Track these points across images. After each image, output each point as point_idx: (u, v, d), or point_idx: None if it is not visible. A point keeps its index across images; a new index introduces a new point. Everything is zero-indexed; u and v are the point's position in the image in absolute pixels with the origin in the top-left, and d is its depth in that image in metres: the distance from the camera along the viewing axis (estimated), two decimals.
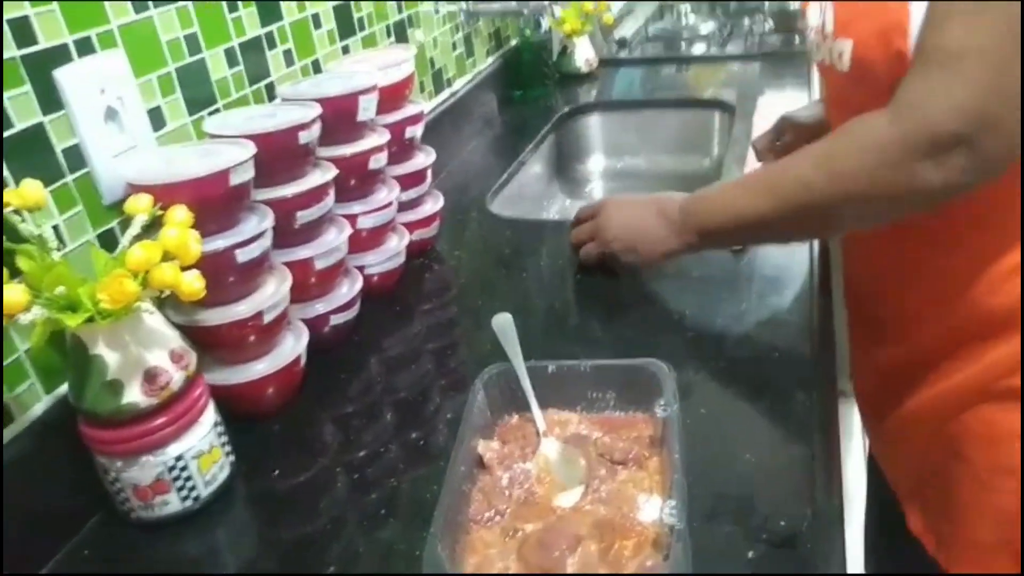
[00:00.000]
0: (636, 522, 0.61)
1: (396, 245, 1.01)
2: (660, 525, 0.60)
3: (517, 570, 0.58)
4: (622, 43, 2.07)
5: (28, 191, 0.62)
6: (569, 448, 0.69)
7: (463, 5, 1.55)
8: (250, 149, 0.74)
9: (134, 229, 0.66)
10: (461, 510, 0.62)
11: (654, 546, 0.58)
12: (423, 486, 0.70)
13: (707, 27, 2.14)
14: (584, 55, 1.86)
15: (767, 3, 2.14)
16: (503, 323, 0.78)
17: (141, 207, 0.66)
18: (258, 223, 0.76)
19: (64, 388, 0.70)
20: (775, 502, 0.63)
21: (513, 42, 1.78)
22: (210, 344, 0.76)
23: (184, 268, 0.63)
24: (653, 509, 0.62)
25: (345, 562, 0.64)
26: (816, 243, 1.01)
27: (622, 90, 1.85)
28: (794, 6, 2.04)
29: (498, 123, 1.67)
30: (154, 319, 0.66)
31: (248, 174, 0.74)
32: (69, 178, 0.72)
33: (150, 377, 0.64)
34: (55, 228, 0.70)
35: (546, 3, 1.61)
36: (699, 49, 2.00)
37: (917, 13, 0.64)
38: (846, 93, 0.77)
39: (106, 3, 0.76)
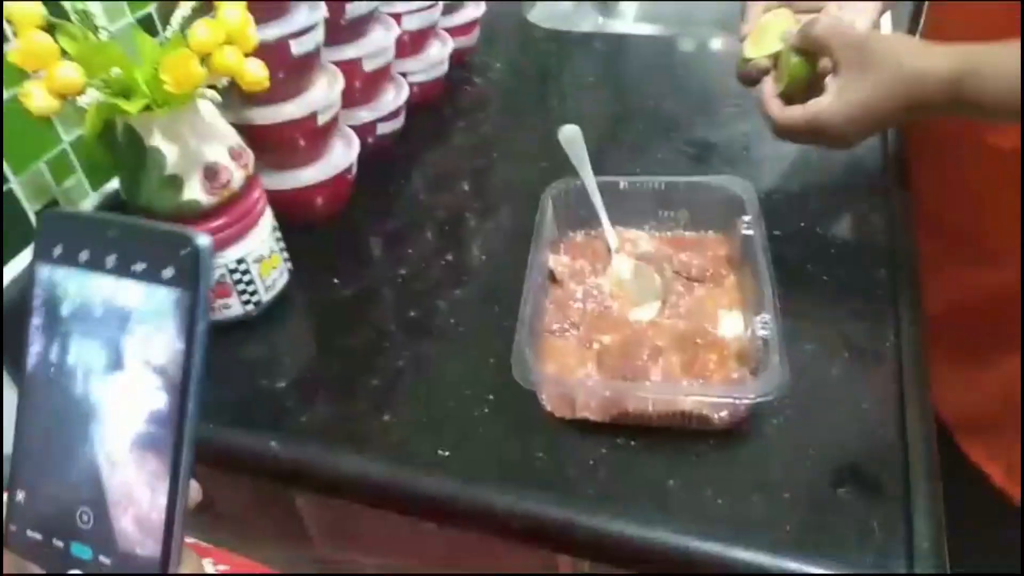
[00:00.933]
0: (717, 336, 0.60)
1: (439, 52, 0.94)
2: (744, 339, 0.59)
3: (599, 377, 0.58)
4: None
5: None
6: (642, 264, 0.67)
7: None
8: None
9: (184, 10, 0.59)
10: (537, 320, 0.61)
11: (738, 360, 0.58)
12: (458, 306, 0.70)
13: None
14: None
15: None
16: (571, 134, 0.73)
17: None
18: (310, 12, 0.69)
19: (112, 185, 0.67)
20: (859, 322, 0.63)
21: None
22: (259, 147, 0.70)
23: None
24: (735, 324, 0.61)
25: (399, 367, 0.64)
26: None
27: None
28: None
29: None
30: (210, 113, 0.62)
31: None
32: None
33: (211, 173, 0.60)
34: None
35: None
36: None
37: None
38: None
39: None
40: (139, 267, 0.31)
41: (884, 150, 0.83)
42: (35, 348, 0.33)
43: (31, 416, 0.33)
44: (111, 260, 0.31)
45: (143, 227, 0.32)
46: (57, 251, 0.32)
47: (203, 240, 0.30)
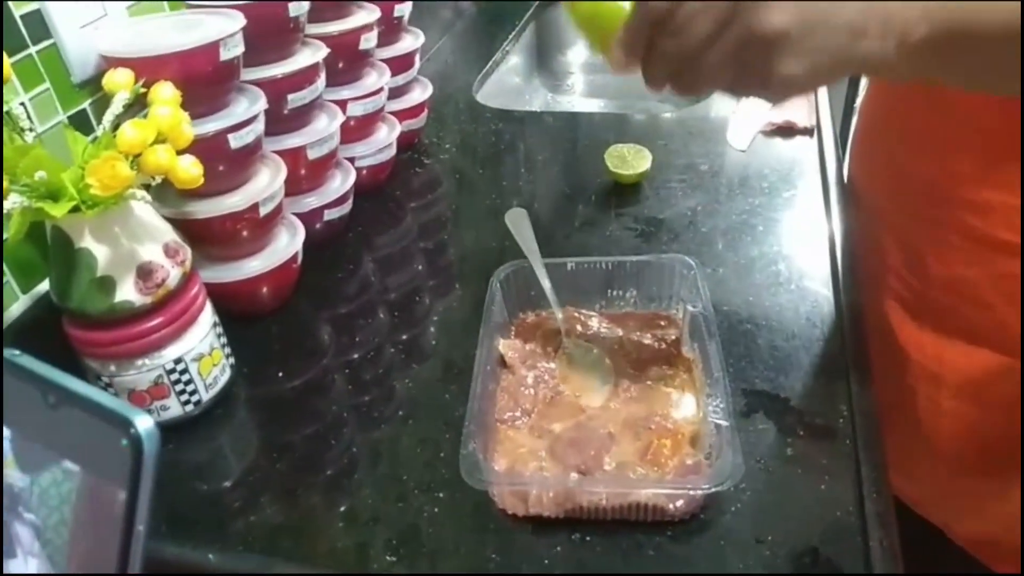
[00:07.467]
0: (670, 420, 0.59)
1: (386, 136, 0.94)
2: (697, 423, 0.58)
3: (552, 470, 0.56)
4: None
5: None
6: (592, 347, 0.66)
7: None
8: (239, 20, 0.66)
9: (115, 108, 0.58)
10: (487, 410, 0.60)
11: (692, 444, 0.57)
12: (409, 392, 0.68)
13: None
14: None
15: None
16: (517, 217, 0.73)
17: (122, 83, 0.59)
18: (250, 105, 0.69)
19: (43, 287, 0.64)
20: (809, 399, 0.62)
21: None
22: (200, 240, 0.69)
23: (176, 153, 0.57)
24: (687, 406, 0.60)
25: (345, 463, 0.62)
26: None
27: None
28: None
29: (475, 8, 1.57)
30: (144, 210, 0.60)
31: (239, 48, 0.66)
32: (32, 50, 0.63)
33: (144, 273, 0.59)
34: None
35: None
36: None
37: None
38: None
39: None
40: (74, 450, 0.26)
41: (827, 209, 0.84)
42: None
43: None
44: (47, 433, 0.26)
45: (83, 399, 0.26)
46: None
47: (146, 429, 0.24)
